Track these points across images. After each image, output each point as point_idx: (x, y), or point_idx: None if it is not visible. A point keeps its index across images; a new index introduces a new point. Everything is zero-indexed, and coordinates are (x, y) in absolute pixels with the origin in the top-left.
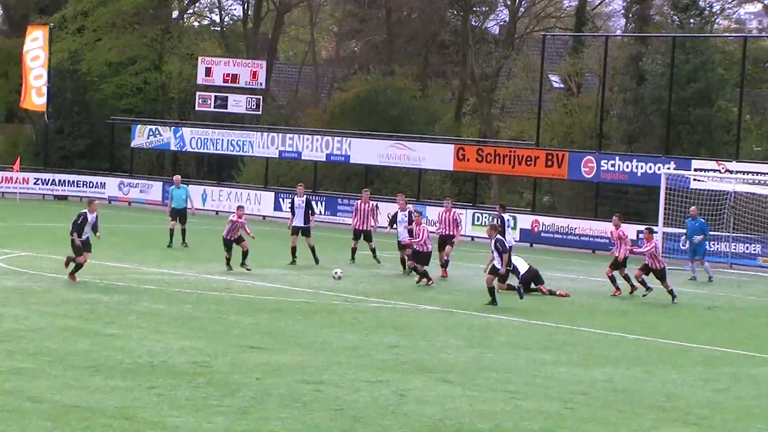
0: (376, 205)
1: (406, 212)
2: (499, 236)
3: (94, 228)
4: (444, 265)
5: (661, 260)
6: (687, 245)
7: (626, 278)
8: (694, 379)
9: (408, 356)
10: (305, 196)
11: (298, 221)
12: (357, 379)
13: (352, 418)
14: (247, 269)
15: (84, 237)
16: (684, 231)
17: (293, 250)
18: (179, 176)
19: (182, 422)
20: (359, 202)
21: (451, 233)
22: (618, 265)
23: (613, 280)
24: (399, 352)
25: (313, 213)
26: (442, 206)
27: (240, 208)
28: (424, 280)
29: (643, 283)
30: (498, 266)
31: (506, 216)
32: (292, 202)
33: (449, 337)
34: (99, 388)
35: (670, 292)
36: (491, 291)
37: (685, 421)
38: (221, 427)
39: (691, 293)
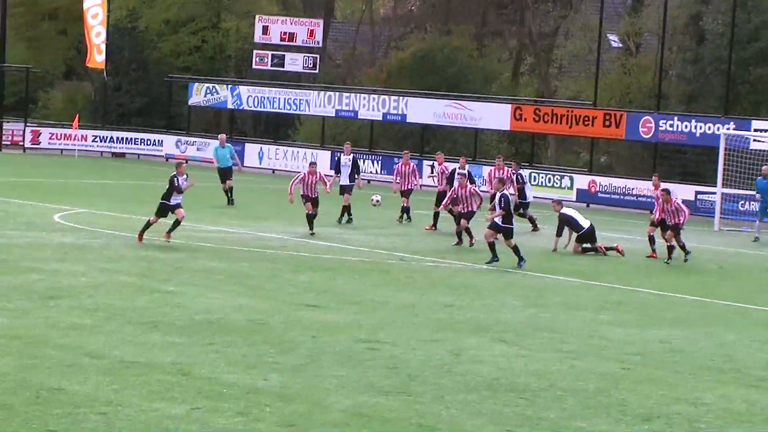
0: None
1: (350, 157)
2: (505, 192)
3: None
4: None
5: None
6: (759, 206)
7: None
8: (751, 340)
9: (463, 316)
10: (352, 154)
11: (345, 180)
12: (412, 338)
13: (407, 376)
14: (311, 233)
15: (174, 202)
16: (754, 192)
17: (345, 209)
18: (224, 135)
19: (238, 379)
20: (400, 163)
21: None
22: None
23: (651, 240)
24: (454, 312)
25: (359, 172)
26: (494, 164)
27: (312, 164)
28: (467, 239)
29: (682, 246)
30: (498, 222)
31: (523, 173)
32: (339, 161)
33: (504, 297)
34: (156, 344)
35: (670, 248)
36: (491, 246)
37: (742, 383)
38: (276, 384)
39: (751, 254)
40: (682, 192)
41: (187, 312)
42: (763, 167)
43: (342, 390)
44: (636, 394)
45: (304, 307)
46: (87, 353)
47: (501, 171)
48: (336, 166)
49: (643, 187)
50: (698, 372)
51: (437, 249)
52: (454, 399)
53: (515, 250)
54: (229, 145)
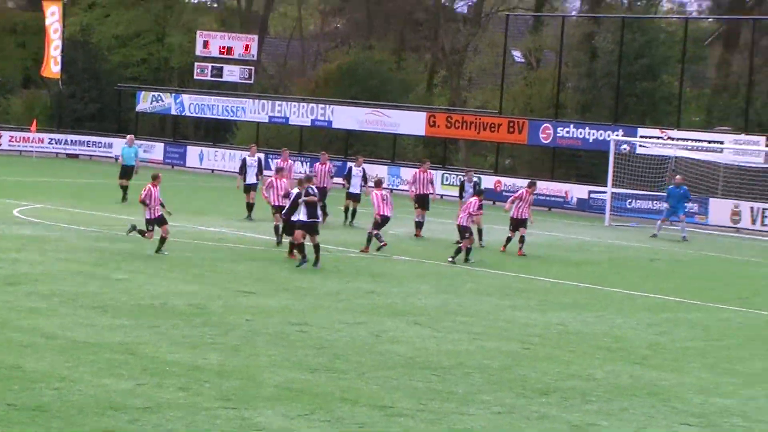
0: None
1: (255, 158)
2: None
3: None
4: (419, 225)
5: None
6: (665, 207)
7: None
8: (637, 323)
9: (383, 301)
10: (257, 155)
11: (251, 179)
12: (337, 321)
13: (333, 355)
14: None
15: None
16: (664, 194)
17: (249, 206)
18: (132, 136)
19: (180, 357)
20: (318, 163)
21: (427, 192)
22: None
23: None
24: (375, 298)
25: (261, 172)
26: (420, 167)
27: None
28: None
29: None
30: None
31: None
32: (244, 161)
33: (420, 284)
34: (106, 326)
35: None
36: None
37: (628, 360)
38: (215, 362)
39: (637, 246)
40: (578, 191)
41: (134, 297)
42: (677, 177)
43: (274, 368)
44: (535, 370)
45: (241, 294)
46: (43, 334)
47: (425, 173)
48: (241, 166)
49: (542, 186)
50: (590, 351)
51: (361, 241)
52: (374, 375)
53: (316, 248)
54: (136, 146)
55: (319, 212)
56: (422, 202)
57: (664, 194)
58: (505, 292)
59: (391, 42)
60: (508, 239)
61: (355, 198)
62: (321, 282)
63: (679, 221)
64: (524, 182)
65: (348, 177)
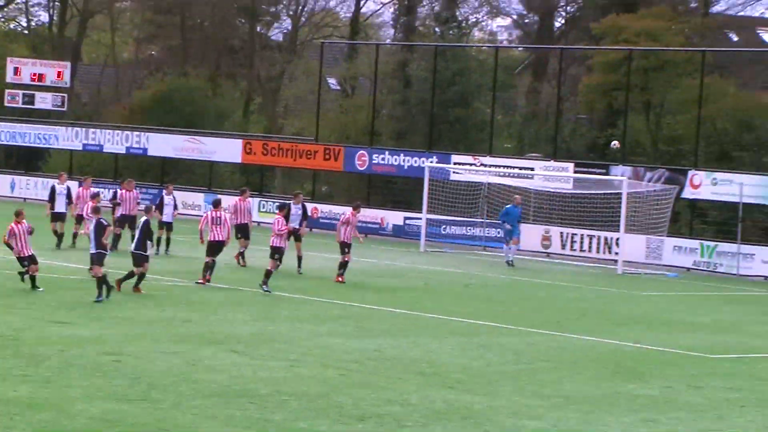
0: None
1: (65, 186)
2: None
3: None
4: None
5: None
6: (504, 230)
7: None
8: (451, 348)
9: (199, 329)
10: (66, 183)
11: (60, 207)
12: (153, 351)
13: (149, 385)
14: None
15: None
16: (499, 220)
17: (57, 234)
18: None
19: None
20: (123, 191)
21: (246, 221)
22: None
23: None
24: (191, 326)
25: (71, 200)
26: (239, 197)
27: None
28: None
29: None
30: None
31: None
32: (53, 189)
33: (236, 312)
34: None
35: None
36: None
37: (443, 385)
38: (25, 395)
39: (451, 272)
40: (393, 218)
41: None
42: (516, 197)
43: (88, 399)
44: (352, 397)
45: (53, 323)
46: None
47: (245, 202)
48: (51, 194)
49: (348, 210)
50: (406, 376)
51: (176, 269)
52: (190, 405)
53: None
54: None
55: (149, 244)
56: (243, 231)
57: (468, 219)
58: (322, 318)
59: (207, 69)
60: (343, 264)
61: (168, 227)
62: (136, 311)
63: (511, 244)
64: (341, 209)
65: (161, 206)
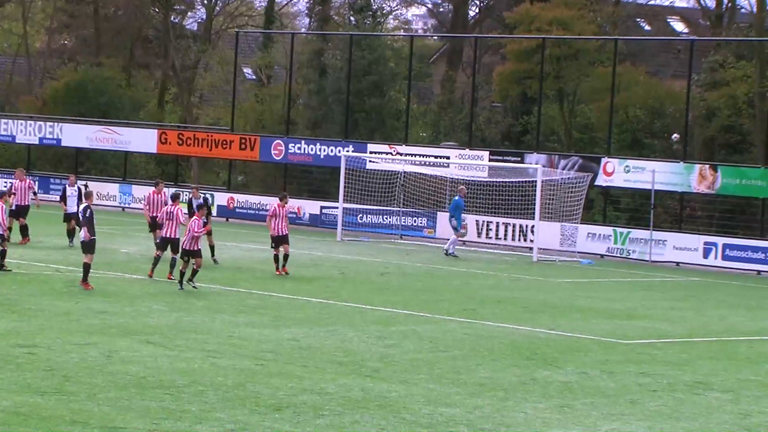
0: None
1: (75, 188)
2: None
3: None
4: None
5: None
6: (453, 221)
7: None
8: (368, 336)
9: (115, 321)
10: (77, 185)
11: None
12: (67, 342)
13: (63, 377)
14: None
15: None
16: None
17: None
18: None
19: None
20: (17, 181)
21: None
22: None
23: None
24: (106, 318)
25: (36, 194)
26: (153, 189)
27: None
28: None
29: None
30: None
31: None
32: (64, 190)
33: (152, 303)
34: None
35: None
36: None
37: (360, 373)
38: None
39: (368, 261)
40: (310, 207)
41: None
42: (460, 187)
43: (0, 392)
44: (269, 386)
45: None
46: None
47: (159, 194)
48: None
49: (275, 202)
50: (322, 365)
51: (94, 262)
52: (105, 396)
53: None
54: None
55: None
56: (158, 224)
57: (384, 209)
58: (239, 308)
59: (121, 59)
60: (276, 257)
61: (76, 218)
62: (50, 303)
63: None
64: (258, 199)
65: (64, 197)
